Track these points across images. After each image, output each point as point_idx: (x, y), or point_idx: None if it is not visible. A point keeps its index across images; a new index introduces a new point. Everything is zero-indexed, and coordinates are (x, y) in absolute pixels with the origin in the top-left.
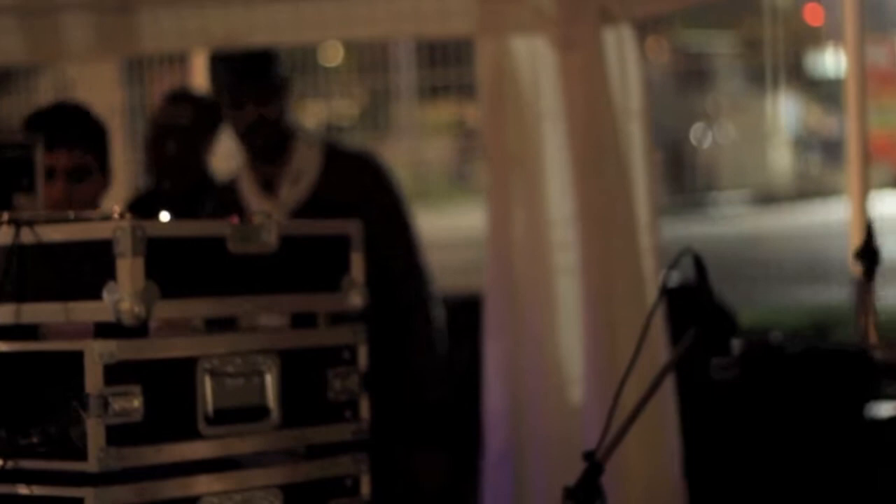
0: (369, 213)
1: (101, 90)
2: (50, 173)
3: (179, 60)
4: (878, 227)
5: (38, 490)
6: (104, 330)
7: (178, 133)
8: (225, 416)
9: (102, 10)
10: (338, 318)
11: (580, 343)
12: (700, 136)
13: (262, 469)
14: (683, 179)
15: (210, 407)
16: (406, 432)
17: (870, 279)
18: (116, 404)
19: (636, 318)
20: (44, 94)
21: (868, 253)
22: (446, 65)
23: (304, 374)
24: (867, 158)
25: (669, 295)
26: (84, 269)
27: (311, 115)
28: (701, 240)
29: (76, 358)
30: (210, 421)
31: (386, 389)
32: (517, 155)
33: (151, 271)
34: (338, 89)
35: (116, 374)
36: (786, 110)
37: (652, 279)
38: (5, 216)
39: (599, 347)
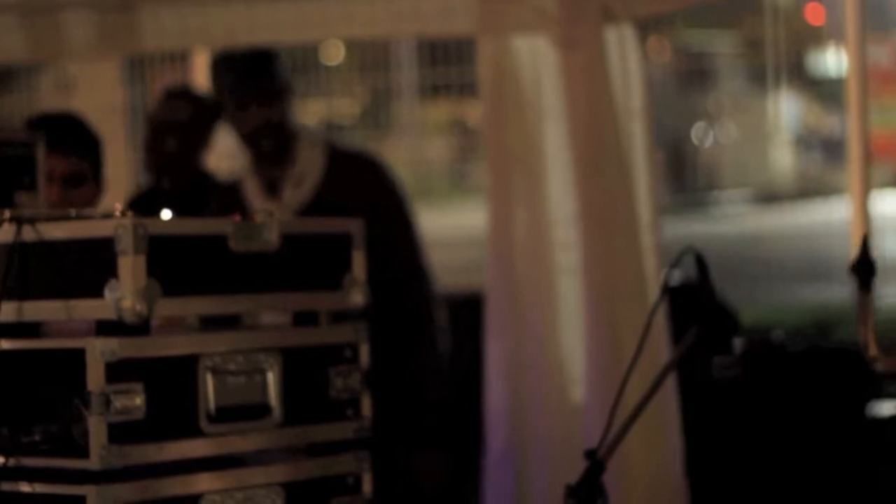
0: (372, 214)
1: (102, 88)
2: (48, 178)
3: (181, 59)
4: (880, 226)
5: (40, 488)
6: (106, 328)
7: (177, 129)
8: (227, 414)
9: (104, 8)
10: (339, 317)
11: (581, 342)
12: (702, 135)
13: (264, 467)
14: (685, 178)
15: (212, 405)
16: (407, 432)
17: (867, 291)
18: (118, 402)
19: (638, 317)
20: (45, 92)
21: (864, 265)
22: (447, 64)
23: (305, 372)
24: (868, 158)
25: (671, 294)
26: (86, 267)
27: (312, 113)
28: (702, 239)
29: (78, 356)
30: (212, 419)
31: (387, 389)
32: (518, 154)
33: (153, 269)
34: (339, 88)
35: (118, 371)
36: (787, 110)
37: (654, 278)
38: (7, 214)
39: (601, 346)
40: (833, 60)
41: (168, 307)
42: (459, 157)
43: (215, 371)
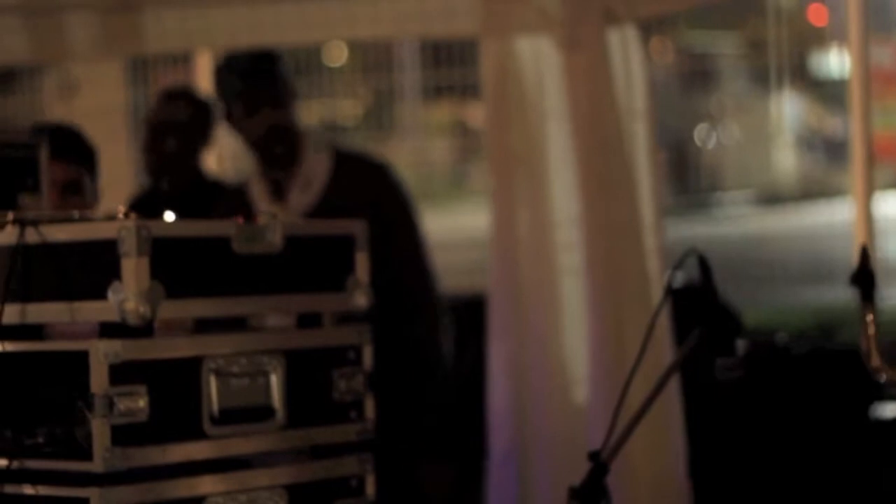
0: (378, 217)
1: (105, 90)
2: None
3: (183, 60)
4: (882, 228)
5: (43, 490)
6: (109, 330)
7: (176, 130)
8: (230, 417)
9: (106, 9)
10: (343, 319)
11: (584, 343)
12: (704, 136)
13: (268, 469)
14: (688, 180)
15: (215, 407)
16: (410, 436)
17: (868, 302)
18: (122, 404)
19: (641, 319)
20: (48, 93)
21: (864, 277)
22: (451, 65)
23: (309, 374)
24: (871, 159)
25: (674, 295)
26: (89, 269)
27: (315, 115)
28: (705, 240)
29: (81, 358)
30: (215, 421)
31: (391, 391)
32: (521, 155)
33: (156, 271)
34: (342, 89)
35: (121, 374)
36: (790, 111)
37: (657, 280)
38: (10, 216)
39: (604, 348)
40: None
41: (171, 309)
42: (460, 158)
43: (219, 373)
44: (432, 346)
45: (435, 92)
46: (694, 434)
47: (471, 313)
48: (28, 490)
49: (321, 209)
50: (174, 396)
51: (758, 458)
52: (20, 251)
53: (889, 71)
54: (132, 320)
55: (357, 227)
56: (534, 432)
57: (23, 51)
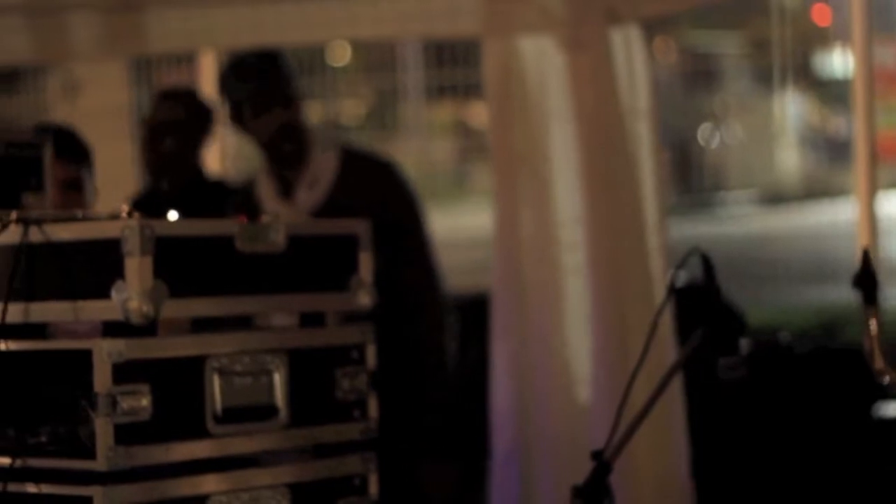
0: (385, 215)
1: (108, 90)
2: None
3: (186, 60)
4: (886, 227)
5: (46, 489)
6: (112, 329)
7: (174, 129)
8: (233, 415)
9: (109, 9)
10: (346, 318)
11: (587, 343)
12: (708, 136)
13: (271, 468)
14: (691, 179)
15: (218, 406)
16: (412, 435)
17: (871, 304)
18: (125, 403)
19: (644, 318)
20: (51, 93)
21: (866, 279)
22: (454, 65)
23: (312, 373)
24: (874, 159)
25: (677, 295)
26: (92, 268)
27: (319, 115)
28: (709, 240)
29: (85, 357)
30: (218, 420)
31: (395, 390)
32: (524, 155)
33: (160, 270)
34: (345, 89)
35: (125, 372)
36: (793, 110)
37: (660, 279)
38: (14, 215)
39: (607, 347)
40: (839, 61)
41: (175, 308)
42: (462, 157)
43: (222, 372)
44: (436, 346)
45: (438, 92)
46: (697, 433)
47: (473, 313)
48: (31, 489)
49: (328, 207)
50: (177, 395)
51: (761, 458)
52: (24, 250)
53: (892, 70)
54: (135, 319)
55: (360, 227)
56: (537, 432)
57: (26, 51)
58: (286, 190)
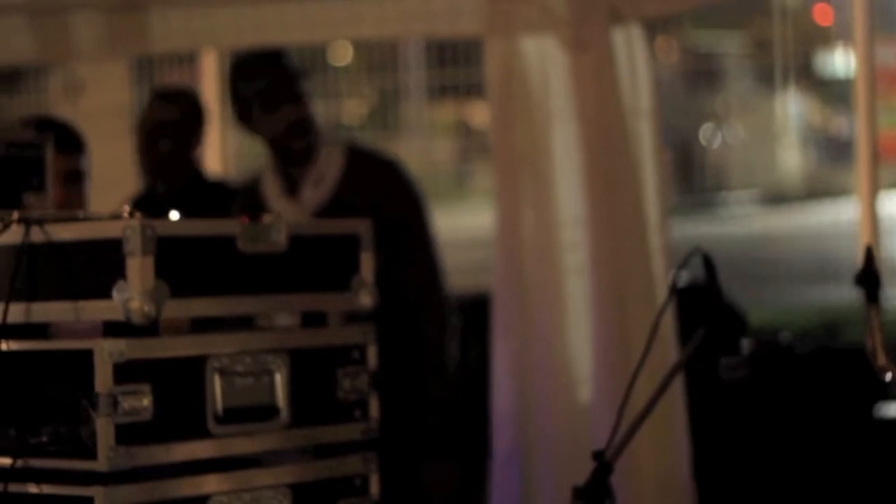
0: (389, 215)
1: (110, 89)
2: None
3: (188, 60)
4: (887, 227)
5: (47, 489)
6: (114, 329)
7: (170, 129)
8: (234, 416)
9: (111, 9)
10: (348, 318)
11: (589, 343)
12: (709, 136)
13: (272, 468)
14: (693, 179)
15: (219, 406)
16: (413, 435)
17: (873, 302)
18: (126, 403)
19: (646, 318)
20: (53, 93)
21: (868, 277)
22: (456, 65)
23: (313, 373)
24: (876, 158)
25: (679, 295)
26: (94, 268)
27: (320, 114)
28: (710, 240)
29: (86, 357)
30: (219, 420)
31: (395, 392)
32: (526, 155)
33: (161, 270)
34: (347, 89)
35: (126, 373)
36: (795, 110)
37: (661, 279)
38: (15, 215)
39: (609, 347)
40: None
41: (176, 308)
42: (464, 157)
43: (223, 372)
44: (437, 346)
45: (439, 91)
46: (698, 433)
47: (474, 313)
48: (32, 489)
49: (333, 205)
50: (178, 395)
51: (762, 458)
52: (25, 250)
53: (894, 70)
54: (137, 319)
55: (362, 227)
56: (537, 432)
57: (28, 50)
58: (292, 187)
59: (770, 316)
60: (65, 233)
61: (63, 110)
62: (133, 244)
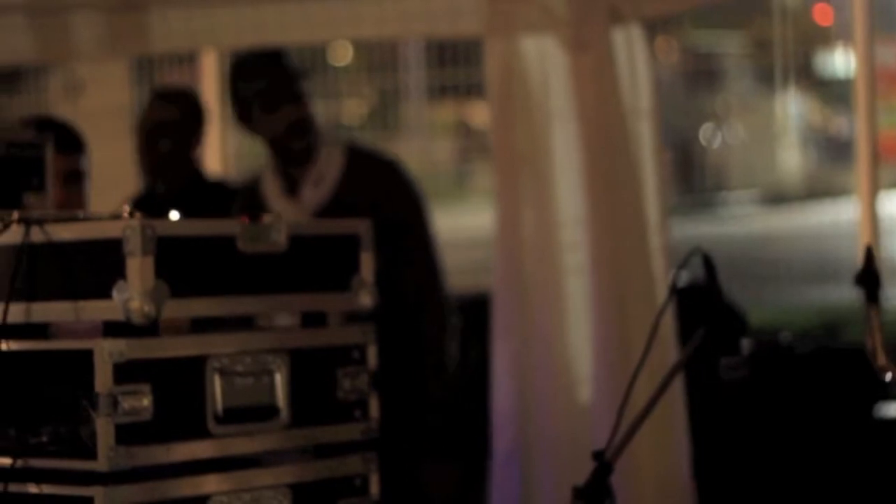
0: (390, 215)
1: (110, 89)
2: None
3: (188, 60)
4: (887, 227)
5: (47, 489)
6: (114, 329)
7: (169, 130)
8: (234, 416)
9: (111, 9)
10: (348, 318)
11: (589, 343)
12: (709, 136)
13: (272, 468)
14: (693, 179)
15: (219, 406)
16: (413, 435)
17: (873, 302)
18: (126, 403)
19: (646, 318)
20: (53, 93)
21: (869, 277)
22: (456, 65)
23: (313, 373)
24: (876, 158)
25: (679, 295)
26: (94, 268)
27: (320, 114)
28: (710, 240)
29: (86, 357)
30: (219, 420)
31: (395, 392)
32: (526, 155)
33: (161, 270)
34: (347, 89)
35: (126, 373)
36: (795, 110)
37: (661, 279)
38: (15, 215)
39: (609, 347)
40: (841, 61)
41: (176, 308)
42: (462, 157)
43: (223, 372)
44: (438, 346)
45: (439, 92)
46: (698, 433)
47: (474, 313)
48: (32, 489)
49: (333, 205)
50: (178, 395)
51: (762, 458)
52: (25, 250)
53: (894, 70)
54: (137, 319)
55: (362, 227)
56: (537, 432)
57: (28, 50)
58: (292, 187)
59: (770, 316)
60: (65, 233)
61: (63, 110)
62: (133, 244)
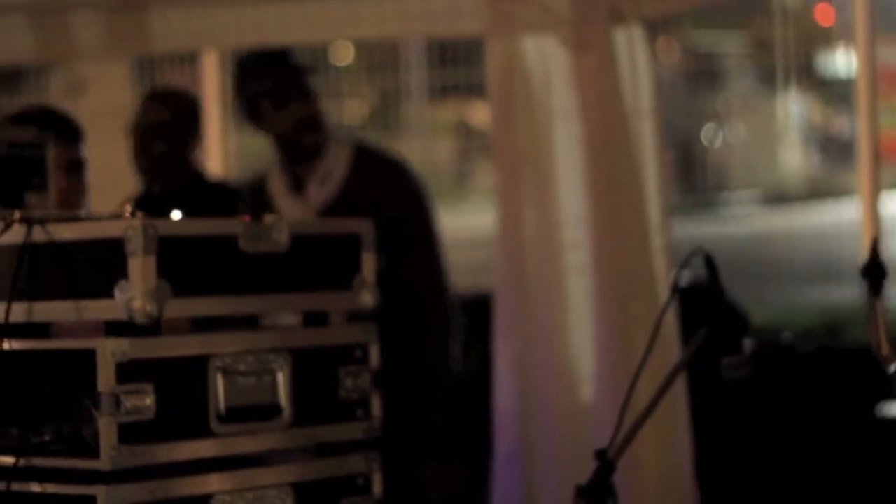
0: (395, 214)
1: (111, 89)
2: None
3: (189, 60)
4: (889, 227)
5: (50, 488)
6: (116, 328)
7: (163, 131)
8: (237, 415)
9: (112, 9)
10: (350, 317)
11: (591, 342)
12: (711, 135)
13: (274, 467)
14: (694, 179)
15: (222, 405)
16: (415, 434)
17: (877, 294)
18: (128, 402)
19: (648, 318)
20: (54, 93)
21: (874, 269)
22: (456, 65)
23: (315, 372)
24: (878, 158)
25: (681, 294)
26: (96, 268)
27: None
28: (712, 239)
29: (88, 356)
30: (222, 419)
31: (397, 391)
32: (528, 155)
33: (163, 270)
34: (348, 89)
35: (128, 372)
36: (796, 110)
37: (663, 279)
38: (17, 215)
39: (611, 347)
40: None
41: (178, 308)
42: (463, 157)
43: (225, 371)
44: (439, 345)
45: (440, 91)
46: (700, 433)
47: (476, 312)
48: (35, 488)
49: (339, 203)
50: (181, 395)
51: (764, 457)
52: (27, 250)
53: None
54: (139, 319)
55: (364, 227)
56: (539, 431)
57: (29, 50)
58: (298, 185)
59: (772, 315)
60: (67, 232)
61: None
62: (135, 244)
